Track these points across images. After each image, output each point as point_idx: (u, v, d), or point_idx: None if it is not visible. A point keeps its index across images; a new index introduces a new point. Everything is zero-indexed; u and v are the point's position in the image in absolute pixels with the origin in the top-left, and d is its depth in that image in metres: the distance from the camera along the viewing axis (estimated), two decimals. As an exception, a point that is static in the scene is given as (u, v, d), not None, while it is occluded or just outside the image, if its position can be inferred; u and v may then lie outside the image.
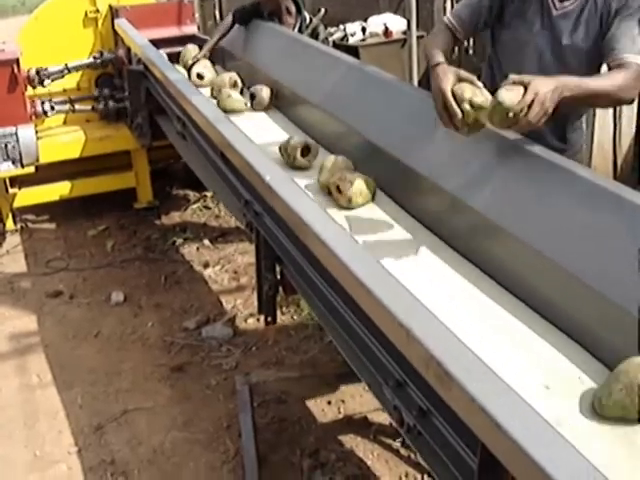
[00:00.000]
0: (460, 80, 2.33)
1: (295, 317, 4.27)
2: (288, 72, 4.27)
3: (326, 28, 5.14)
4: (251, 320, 4.33)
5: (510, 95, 2.14)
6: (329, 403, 3.52)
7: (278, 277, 3.04)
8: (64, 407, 3.70)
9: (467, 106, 2.23)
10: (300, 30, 4.75)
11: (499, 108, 2.13)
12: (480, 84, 2.31)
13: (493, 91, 2.79)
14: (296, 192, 2.30)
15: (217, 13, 12.75)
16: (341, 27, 8.36)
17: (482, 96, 2.24)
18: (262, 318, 4.19)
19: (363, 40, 8.16)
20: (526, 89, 2.15)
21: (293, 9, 4.78)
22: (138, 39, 4.90)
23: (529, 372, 1.80)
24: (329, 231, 2.03)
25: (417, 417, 1.88)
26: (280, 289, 3.09)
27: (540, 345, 1.91)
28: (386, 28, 8.17)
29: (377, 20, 8.41)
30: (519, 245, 2.10)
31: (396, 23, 8.31)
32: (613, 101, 2.53)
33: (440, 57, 2.51)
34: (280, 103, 4.26)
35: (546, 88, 2.16)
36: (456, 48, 7.06)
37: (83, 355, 4.15)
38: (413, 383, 1.90)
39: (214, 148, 3.50)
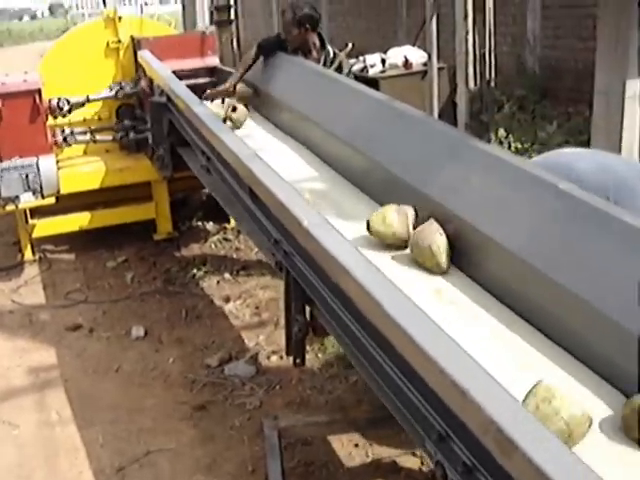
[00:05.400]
0: None
1: (319, 355, 4.19)
2: (315, 106, 4.24)
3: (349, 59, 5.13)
4: (274, 357, 4.26)
5: None
6: (356, 446, 3.42)
7: (308, 318, 2.99)
8: (85, 446, 3.61)
9: None
10: (325, 64, 4.73)
11: None
12: None
13: None
14: (336, 238, 2.23)
15: (235, 43, 12.79)
16: (360, 58, 8.36)
17: None
18: (286, 356, 4.18)
19: (383, 72, 8.16)
20: None
21: (318, 43, 4.76)
22: (162, 71, 4.88)
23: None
24: (376, 284, 1.96)
25: (462, 473, 1.80)
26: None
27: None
28: (406, 60, 8.17)
29: (397, 52, 8.43)
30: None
31: (416, 55, 8.31)
32: None
33: None
34: (306, 137, 4.23)
35: None
36: (478, 80, 7.04)
37: (103, 391, 4.08)
38: (457, 436, 1.82)
39: (241, 184, 3.46)
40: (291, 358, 4.12)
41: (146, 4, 23.91)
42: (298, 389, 3.92)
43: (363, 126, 3.66)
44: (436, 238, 2.52)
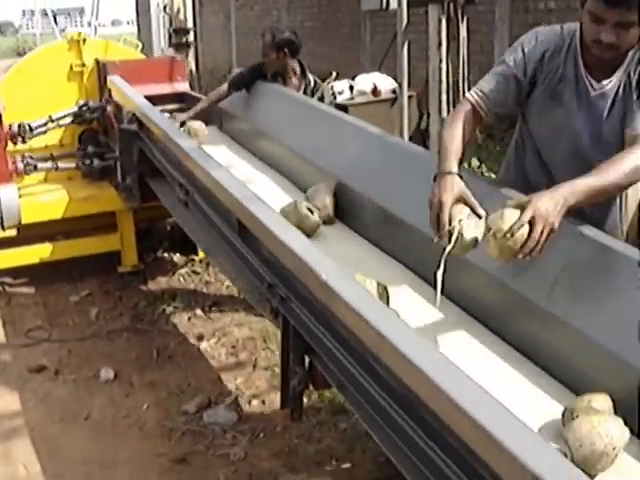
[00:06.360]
0: (460, 201, 2.25)
1: (305, 399, 3.94)
2: (294, 136, 4.05)
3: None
4: (255, 402, 4.01)
5: (504, 219, 2.06)
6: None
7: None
8: (56, 506, 3.33)
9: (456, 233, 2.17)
10: (305, 92, 4.55)
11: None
12: (482, 212, 2.23)
13: (522, 176, 2.66)
14: (359, 293, 2.02)
15: (193, 66, 12.58)
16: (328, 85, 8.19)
17: (475, 230, 2.17)
18: (267, 401, 3.97)
19: (351, 98, 7.99)
20: (524, 209, 2.05)
21: (298, 70, 4.58)
22: (135, 98, 4.63)
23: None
24: (409, 343, 1.76)
25: None
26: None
27: None
28: (375, 87, 8.02)
29: (365, 78, 8.28)
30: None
31: (384, 82, 8.18)
32: (626, 188, 2.36)
33: (453, 165, 2.36)
34: (288, 169, 4.03)
35: (546, 203, 2.04)
36: (451, 109, 6.91)
37: (73, 441, 3.77)
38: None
39: (228, 222, 3.24)
40: (273, 403, 3.98)
41: (99, 25, 23.51)
42: (285, 437, 3.68)
43: (352, 158, 3.47)
44: (327, 197, 3.31)
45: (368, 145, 3.49)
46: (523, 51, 2.55)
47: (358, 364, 2.30)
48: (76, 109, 5.78)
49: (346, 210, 3.38)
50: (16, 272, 5.79)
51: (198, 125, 4.77)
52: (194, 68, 12.39)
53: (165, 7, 11.08)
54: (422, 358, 1.73)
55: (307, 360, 2.73)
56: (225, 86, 4.82)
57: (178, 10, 10.67)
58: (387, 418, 2.15)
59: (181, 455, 3.59)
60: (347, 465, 3.40)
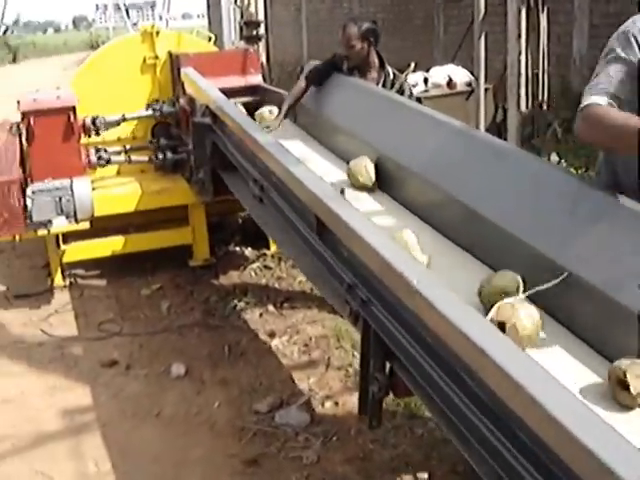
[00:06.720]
0: None
1: (380, 403, 3.83)
2: (376, 132, 3.91)
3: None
4: (328, 404, 3.91)
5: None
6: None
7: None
8: (128, 506, 3.27)
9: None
10: (384, 85, 4.41)
11: None
12: None
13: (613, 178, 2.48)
14: (453, 301, 1.88)
15: (264, 59, 12.54)
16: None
17: None
18: (341, 402, 3.87)
19: (426, 91, 7.84)
20: None
21: (377, 63, 4.43)
22: (210, 91, 4.55)
23: None
24: (513, 360, 1.63)
25: None
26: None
27: None
28: (450, 79, 7.86)
29: (439, 71, 8.14)
30: None
31: (460, 74, 8.01)
32: None
33: None
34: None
35: None
36: (529, 102, 6.71)
37: (145, 439, 3.73)
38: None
39: (306, 219, 3.13)
40: (346, 405, 3.88)
41: (170, 18, 23.75)
42: (358, 442, 3.57)
43: (438, 157, 3.32)
44: (367, 162, 3.55)
45: (449, 139, 3.34)
46: (634, 37, 2.34)
47: (443, 371, 2.18)
48: (150, 112, 5.77)
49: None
50: (88, 265, 5.82)
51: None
52: (265, 61, 12.35)
53: (236, 0, 11.07)
54: (522, 372, 1.61)
55: (388, 366, 2.62)
56: (302, 83, 4.65)
57: (249, 3, 10.64)
58: (472, 428, 2.02)
59: (252, 456, 3.50)
60: (424, 475, 3.25)
